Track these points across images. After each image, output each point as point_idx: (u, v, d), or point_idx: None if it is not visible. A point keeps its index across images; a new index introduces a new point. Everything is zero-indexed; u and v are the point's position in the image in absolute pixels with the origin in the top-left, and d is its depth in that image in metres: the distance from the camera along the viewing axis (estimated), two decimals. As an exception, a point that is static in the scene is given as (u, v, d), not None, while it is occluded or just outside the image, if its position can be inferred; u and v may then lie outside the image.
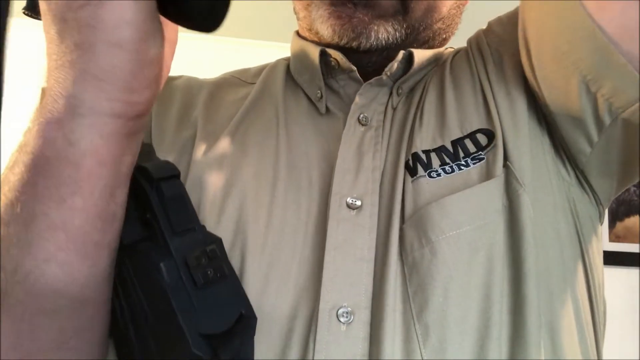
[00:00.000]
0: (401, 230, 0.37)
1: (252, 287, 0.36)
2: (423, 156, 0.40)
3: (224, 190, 0.40)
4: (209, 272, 0.31)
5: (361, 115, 0.43)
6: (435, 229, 0.36)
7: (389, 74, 0.44)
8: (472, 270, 0.35)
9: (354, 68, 0.44)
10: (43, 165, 0.28)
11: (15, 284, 0.28)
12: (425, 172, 0.39)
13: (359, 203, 0.39)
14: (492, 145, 0.39)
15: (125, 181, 0.31)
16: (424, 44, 0.46)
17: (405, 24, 0.43)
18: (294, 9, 0.49)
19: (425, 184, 0.38)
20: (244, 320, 0.32)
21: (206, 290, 0.31)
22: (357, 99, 0.44)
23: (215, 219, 0.38)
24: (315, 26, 0.44)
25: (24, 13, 0.33)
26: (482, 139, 0.39)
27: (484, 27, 0.47)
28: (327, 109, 0.45)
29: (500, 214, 0.37)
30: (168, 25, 0.30)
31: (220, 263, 0.33)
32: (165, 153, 0.41)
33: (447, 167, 0.39)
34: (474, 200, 0.37)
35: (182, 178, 0.38)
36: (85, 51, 0.26)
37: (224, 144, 0.43)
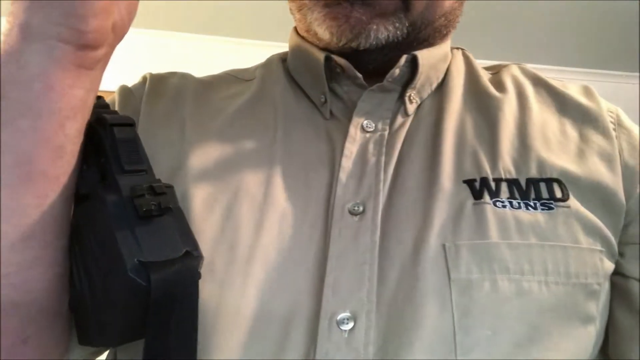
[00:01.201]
0: (454, 245, 0.37)
1: (238, 288, 0.36)
2: (493, 184, 0.39)
3: (213, 189, 0.39)
4: (153, 205, 0.32)
5: (365, 122, 0.42)
6: (502, 266, 0.36)
7: (390, 79, 0.43)
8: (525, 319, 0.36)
9: (360, 75, 0.43)
10: None
11: None
12: (491, 199, 0.38)
13: (361, 208, 0.38)
14: (565, 200, 0.39)
15: (75, 115, 0.31)
16: (425, 42, 0.45)
17: (406, 22, 0.42)
18: (290, 9, 0.48)
19: (490, 212, 0.38)
20: (188, 257, 0.32)
21: (150, 222, 0.32)
22: (359, 105, 0.43)
23: (205, 224, 0.38)
24: (313, 29, 0.43)
25: None
26: (557, 189, 0.39)
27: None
28: (331, 114, 0.44)
29: (582, 290, 0.38)
30: None
31: (168, 199, 0.33)
32: (154, 148, 0.40)
33: (514, 202, 0.38)
34: (558, 257, 0.37)
35: (170, 174, 0.39)
36: None
37: (214, 143, 0.42)
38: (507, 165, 0.40)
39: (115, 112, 0.37)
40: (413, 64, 0.44)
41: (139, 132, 0.36)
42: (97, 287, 0.31)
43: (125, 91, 0.47)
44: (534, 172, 0.40)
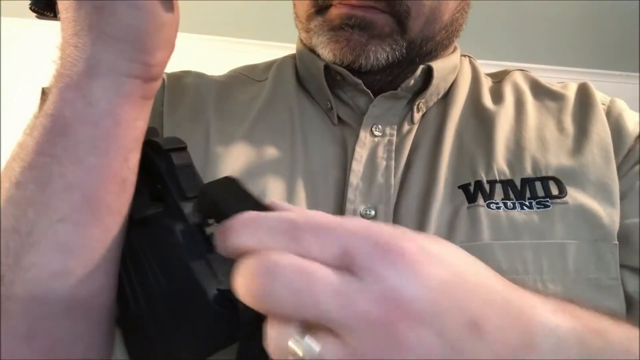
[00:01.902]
0: None
1: None
2: (487, 186, 0.39)
3: None
4: None
5: (374, 127, 0.44)
6: (495, 267, 0.36)
7: (404, 88, 0.44)
8: None
9: (359, 81, 0.44)
10: (62, 126, 0.28)
11: (29, 247, 0.28)
12: (485, 202, 0.39)
13: (372, 213, 0.39)
14: (562, 196, 0.39)
15: (138, 147, 0.31)
16: (428, 56, 0.46)
17: (404, 43, 0.43)
18: (296, 25, 0.49)
19: (484, 214, 0.38)
20: None
21: None
22: (370, 110, 0.44)
23: None
24: (318, 51, 0.45)
25: (31, 9, 0.33)
26: (553, 187, 0.39)
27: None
28: (340, 119, 0.46)
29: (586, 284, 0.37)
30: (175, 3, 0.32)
31: None
32: None
33: (509, 203, 0.39)
34: (553, 254, 0.37)
35: None
36: (104, 13, 0.28)
37: (239, 149, 0.43)
38: (501, 167, 0.40)
39: (155, 131, 0.36)
40: (427, 74, 0.45)
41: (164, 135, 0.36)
42: (163, 312, 0.30)
43: None
44: (529, 172, 0.40)
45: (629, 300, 0.38)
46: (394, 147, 0.43)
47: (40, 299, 0.29)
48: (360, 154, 0.42)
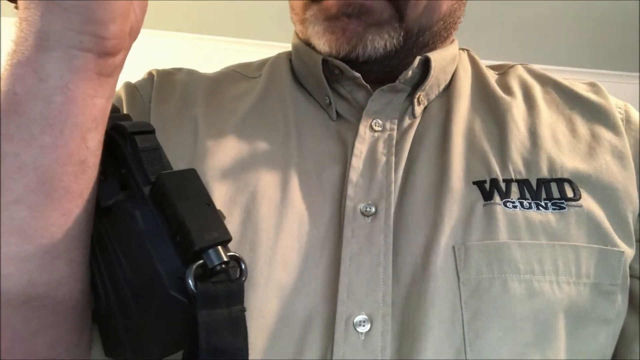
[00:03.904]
0: (463, 246, 0.37)
1: (261, 290, 0.35)
2: (503, 185, 0.39)
3: (232, 190, 0.39)
4: None
5: (374, 121, 0.43)
6: (512, 266, 0.36)
7: (402, 80, 0.43)
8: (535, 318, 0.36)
9: (358, 75, 0.43)
10: (14, 104, 0.27)
11: None
12: (502, 200, 0.38)
13: (373, 210, 0.39)
14: (577, 199, 0.39)
15: (97, 126, 0.30)
16: (425, 47, 0.45)
17: (401, 30, 0.42)
18: (291, 19, 0.48)
19: (501, 212, 0.38)
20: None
21: None
22: (369, 104, 0.43)
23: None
24: (313, 42, 0.44)
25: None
26: (568, 189, 0.39)
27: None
28: (338, 114, 0.45)
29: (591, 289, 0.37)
30: None
31: None
32: (166, 148, 0.40)
33: (525, 202, 0.38)
34: (568, 256, 0.37)
35: None
36: None
37: (229, 143, 0.42)
38: (517, 166, 0.40)
39: (127, 117, 0.35)
40: (425, 65, 0.44)
41: None
42: (129, 304, 0.29)
43: (130, 88, 0.46)
44: (544, 173, 0.40)
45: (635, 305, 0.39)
46: (394, 142, 0.42)
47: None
48: (360, 149, 0.41)
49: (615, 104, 0.45)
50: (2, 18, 1.96)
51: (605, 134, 0.42)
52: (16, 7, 0.32)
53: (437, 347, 0.34)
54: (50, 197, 0.28)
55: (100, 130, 0.31)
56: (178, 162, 0.39)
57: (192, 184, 0.31)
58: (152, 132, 0.33)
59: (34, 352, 0.30)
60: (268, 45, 1.82)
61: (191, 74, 0.49)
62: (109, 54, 0.29)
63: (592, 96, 0.45)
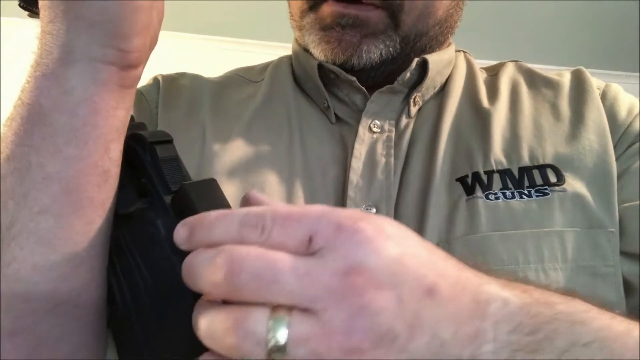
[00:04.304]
0: (447, 243, 0.37)
1: None
2: (484, 177, 0.39)
3: (239, 191, 0.39)
4: None
5: (372, 123, 0.43)
6: (496, 258, 0.36)
7: (400, 82, 0.44)
8: None
9: (353, 78, 0.43)
10: (39, 115, 0.28)
11: (10, 240, 0.28)
12: (483, 193, 0.39)
13: (373, 210, 0.39)
14: (561, 184, 0.39)
15: (119, 137, 0.31)
16: (422, 52, 0.46)
17: (397, 38, 0.43)
18: (291, 25, 0.49)
19: (482, 205, 0.38)
20: None
21: None
22: (368, 106, 0.44)
23: None
24: (310, 49, 0.44)
25: (20, 7, 0.32)
26: (551, 175, 0.39)
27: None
28: (337, 117, 0.45)
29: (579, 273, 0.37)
30: None
31: None
32: None
33: (507, 192, 0.39)
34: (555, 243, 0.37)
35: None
36: None
37: (236, 147, 0.42)
38: (498, 157, 0.40)
39: (142, 126, 0.35)
40: (422, 67, 0.44)
41: None
42: (148, 310, 0.29)
43: (137, 94, 0.46)
44: (526, 161, 0.40)
45: (627, 287, 0.38)
46: (392, 144, 0.42)
47: (22, 294, 0.28)
48: (360, 151, 0.42)
49: (597, 85, 0.45)
50: (2, 18, 1.97)
51: (589, 113, 0.42)
52: (31, 16, 0.32)
53: None
54: (74, 206, 0.29)
55: (121, 140, 0.31)
56: (187, 166, 0.40)
57: (214, 194, 0.31)
58: (171, 141, 0.33)
59: (58, 356, 0.31)
60: (268, 45, 1.82)
61: (196, 79, 0.50)
62: (132, 66, 0.29)
63: (575, 82, 0.46)
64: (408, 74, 0.44)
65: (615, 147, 0.41)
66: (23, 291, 0.28)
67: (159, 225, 0.29)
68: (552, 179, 0.39)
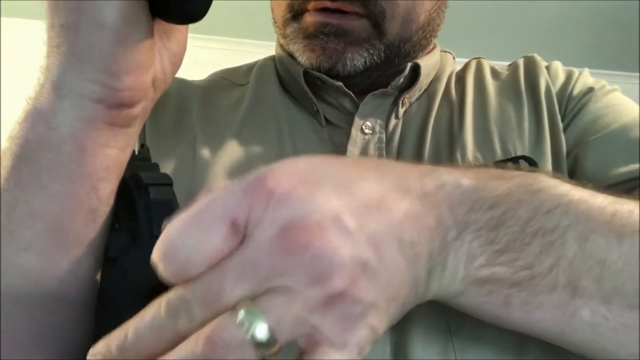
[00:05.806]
0: None
1: None
2: None
3: None
4: None
5: (364, 124, 0.43)
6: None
7: (394, 87, 0.44)
8: None
9: (340, 83, 0.44)
10: (26, 151, 0.28)
11: None
12: None
13: None
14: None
15: (109, 176, 0.30)
16: (407, 57, 0.46)
17: (381, 46, 0.43)
18: (275, 31, 0.49)
19: None
20: None
21: None
22: (361, 108, 0.44)
23: None
24: (295, 57, 0.45)
25: None
26: (524, 166, 0.39)
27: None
28: (327, 120, 0.45)
29: None
30: (173, 37, 0.31)
31: None
32: (164, 162, 0.40)
33: None
34: None
35: (184, 188, 0.37)
36: (69, 32, 0.27)
37: (228, 154, 0.42)
38: (475, 153, 0.41)
39: (155, 167, 0.35)
40: (414, 71, 0.45)
41: (147, 144, 0.35)
42: None
43: None
44: (499, 155, 0.41)
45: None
46: (384, 145, 0.43)
47: (5, 330, 0.28)
48: (352, 152, 0.42)
49: (545, 65, 0.47)
50: (2, 18, 1.97)
51: (543, 97, 0.44)
52: None
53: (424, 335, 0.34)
54: (59, 244, 0.28)
55: (113, 179, 0.30)
56: (179, 177, 0.40)
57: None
58: (170, 184, 0.32)
59: None
60: (268, 45, 1.82)
61: (183, 83, 0.49)
62: (123, 105, 0.28)
63: (528, 67, 0.47)
64: (402, 79, 0.44)
65: (562, 117, 0.43)
66: (5, 327, 0.28)
67: (127, 272, 0.29)
68: (526, 170, 0.40)
